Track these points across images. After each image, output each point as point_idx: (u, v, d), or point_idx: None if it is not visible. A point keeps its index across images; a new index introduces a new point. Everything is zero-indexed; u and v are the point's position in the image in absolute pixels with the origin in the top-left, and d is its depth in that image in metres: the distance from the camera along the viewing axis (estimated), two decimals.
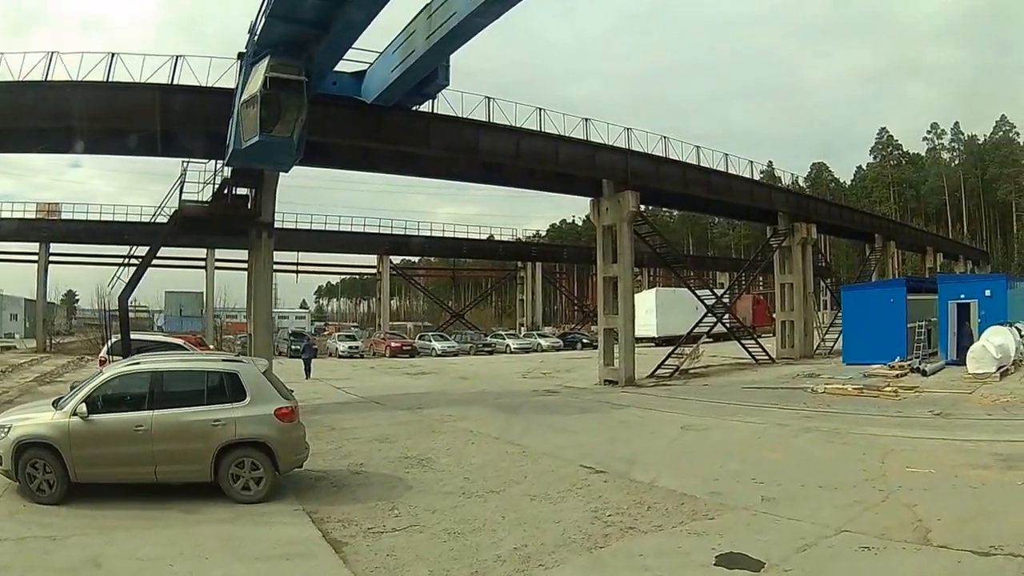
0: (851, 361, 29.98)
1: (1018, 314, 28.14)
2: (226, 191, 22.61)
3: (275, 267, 59.74)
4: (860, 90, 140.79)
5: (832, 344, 38.37)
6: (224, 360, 11.87)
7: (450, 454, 13.80)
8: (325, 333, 71.86)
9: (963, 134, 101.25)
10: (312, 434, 14.33)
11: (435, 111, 23.29)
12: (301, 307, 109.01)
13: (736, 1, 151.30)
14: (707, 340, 40.32)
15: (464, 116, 24.16)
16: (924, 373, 24.63)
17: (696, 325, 33.74)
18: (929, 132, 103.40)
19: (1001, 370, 22.83)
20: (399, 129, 22.92)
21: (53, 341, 54.87)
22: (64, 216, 50.82)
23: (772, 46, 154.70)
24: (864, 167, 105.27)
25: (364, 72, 20.98)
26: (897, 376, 24.42)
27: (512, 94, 57.67)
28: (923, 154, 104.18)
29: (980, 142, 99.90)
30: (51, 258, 52.80)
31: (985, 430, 14.83)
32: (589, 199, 29.42)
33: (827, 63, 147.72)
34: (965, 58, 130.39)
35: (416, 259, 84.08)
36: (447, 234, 64.21)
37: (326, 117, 20.84)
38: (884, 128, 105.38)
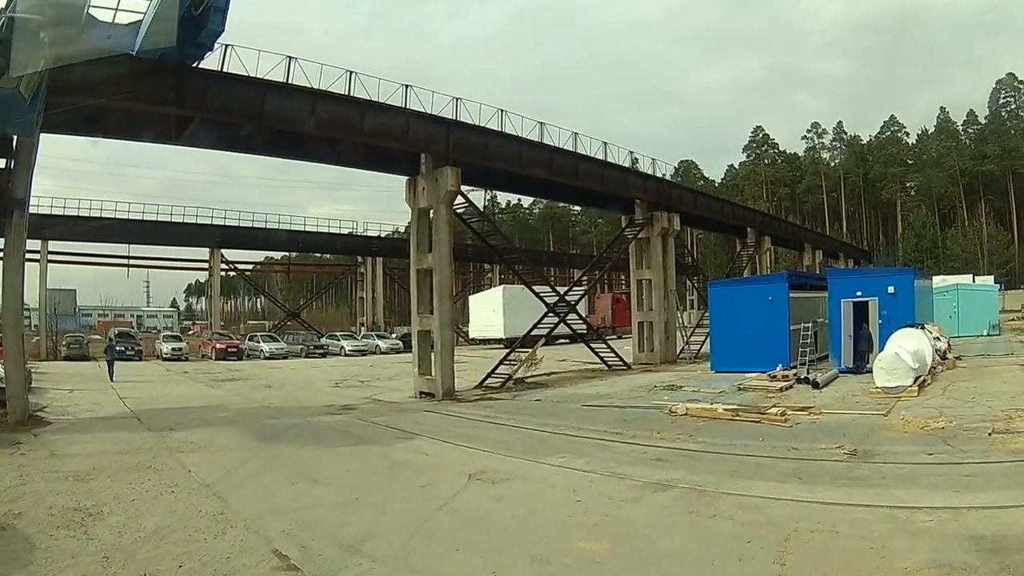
0: (721, 369, 25.72)
1: (923, 315, 24.19)
2: None
3: (104, 261, 57.09)
4: (744, 98, 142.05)
5: (698, 348, 34.25)
6: None
7: (129, 508, 9.96)
8: (191, 333, 70.95)
9: (846, 133, 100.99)
10: (22, 462, 13.06)
11: (226, 71, 19.47)
12: (171, 306, 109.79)
13: (622, 7, 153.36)
14: (563, 342, 37.29)
15: (250, 75, 19.99)
16: (816, 385, 19.80)
17: (534, 327, 28.42)
18: (809, 131, 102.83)
19: (918, 382, 17.89)
20: (174, 89, 18.95)
21: None
22: None
23: (656, 52, 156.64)
24: (736, 166, 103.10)
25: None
26: (781, 390, 19.55)
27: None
28: (801, 154, 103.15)
29: (864, 142, 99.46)
30: None
31: (935, 483, 9.36)
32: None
33: (711, 71, 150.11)
34: (851, 71, 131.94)
35: (280, 255, 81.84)
36: (282, 227, 58.62)
37: (97, 77, 17.17)
38: (759, 126, 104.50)
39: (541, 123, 27.38)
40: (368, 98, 22.09)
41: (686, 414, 16.27)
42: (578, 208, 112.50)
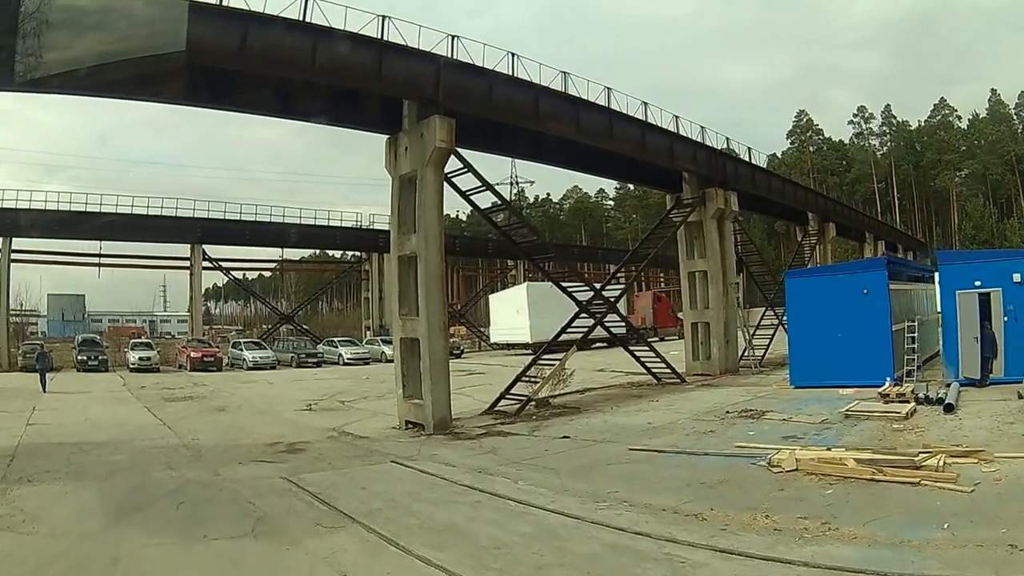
0: (803, 383, 20.14)
1: None
2: None
3: (71, 261, 51.36)
4: (779, 94, 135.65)
5: (764, 353, 28.38)
6: None
7: None
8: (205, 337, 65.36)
9: (895, 118, 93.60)
10: None
11: None
12: (187, 310, 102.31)
13: (654, 2, 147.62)
14: (600, 345, 32.42)
15: None
16: (949, 408, 14.09)
17: (562, 331, 22.14)
18: (856, 115, 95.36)
19: None
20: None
21: None
22: None
23: (687, 48, 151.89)
24: (779, 155, 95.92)
25: None
26: (907, 416, 13.77)
27: None
28: (847, 141, 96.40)
29: (913, 128, 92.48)
30: None
31: None
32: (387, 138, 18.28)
33: (745, 67, 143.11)
34: (886, 66, 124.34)
35: (298, 255, 76.27)
36: (274, 219, 52.25)
37: None
38: (803, 111, 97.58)
39: (565, 73, 21.24)
40: (327, 25, 15.88)
41: (796, 469, 10.12)
42: (612, 202, 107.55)
